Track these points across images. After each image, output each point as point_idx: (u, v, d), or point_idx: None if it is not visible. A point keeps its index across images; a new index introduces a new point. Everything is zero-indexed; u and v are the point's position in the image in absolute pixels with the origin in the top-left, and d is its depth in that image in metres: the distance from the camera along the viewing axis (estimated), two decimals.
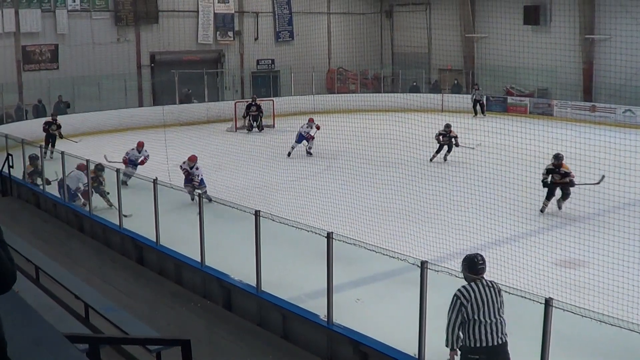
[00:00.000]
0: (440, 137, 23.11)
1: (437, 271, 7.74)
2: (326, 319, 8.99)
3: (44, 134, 25.79)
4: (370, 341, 8.47)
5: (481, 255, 7.24)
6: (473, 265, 7.11)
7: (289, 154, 24.32)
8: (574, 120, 31.17)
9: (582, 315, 6.52)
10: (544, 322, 6.63)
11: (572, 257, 12.66)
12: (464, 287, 7.01)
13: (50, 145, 24.74)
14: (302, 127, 24.97)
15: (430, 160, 22.67)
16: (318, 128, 24.59)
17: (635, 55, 29.08)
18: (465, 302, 6.88)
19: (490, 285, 7.04)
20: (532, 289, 7.97)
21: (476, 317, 6.86)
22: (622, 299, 9.73)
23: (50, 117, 26.94)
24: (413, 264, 7.87)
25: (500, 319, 6.94)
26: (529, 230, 14.22)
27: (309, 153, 24.78)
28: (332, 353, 8.96)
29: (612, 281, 10.76)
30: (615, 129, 23.73)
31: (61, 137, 25.78)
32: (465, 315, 6.89)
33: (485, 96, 35.41)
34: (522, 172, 16.74)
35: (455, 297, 6.94)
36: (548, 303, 6.66)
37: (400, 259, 8.32)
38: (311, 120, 25.06)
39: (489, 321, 6.87)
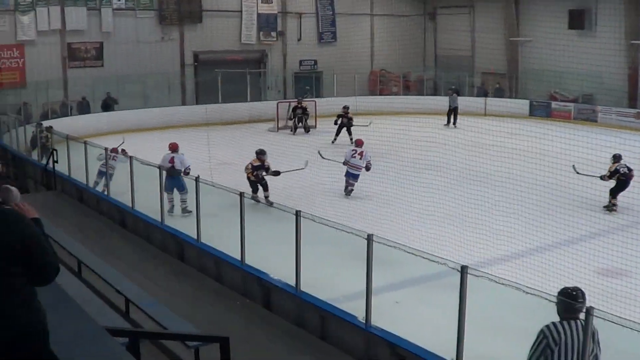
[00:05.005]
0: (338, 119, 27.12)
1: (478, 276, 7.69)
2: (364, 321, 8.99)
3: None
4: (408, 344, 8.44)
5: (582, 291, 6.17)
6: (571, 304, 6.02)
7: None
8: (618, 127, 30.77)
9: (623, 326, 6.43)
10: (584, 331, 6.50)
11: (615, 267, 12.50)
12: (554, 324, 5.96)
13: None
14: None
15: (332, 142, 26.49)
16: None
17: None
18: (552, 345, 5.81)
19: (582, 327, 5.99)
20: None
21: None
22: None
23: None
24: (453, 269, 7.83)
25: None
26: (571, 238, 14.05)
27: None
28: (369, 355, 8.95)
29: None
30: None
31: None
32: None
33: (457, 105, 32.08)
34: (565, 179, 16.58)
35: (541, 335, 5.88)
36: (589, 312, 6.56)
37: (440, 263, 8.28)
38: None
39: None
